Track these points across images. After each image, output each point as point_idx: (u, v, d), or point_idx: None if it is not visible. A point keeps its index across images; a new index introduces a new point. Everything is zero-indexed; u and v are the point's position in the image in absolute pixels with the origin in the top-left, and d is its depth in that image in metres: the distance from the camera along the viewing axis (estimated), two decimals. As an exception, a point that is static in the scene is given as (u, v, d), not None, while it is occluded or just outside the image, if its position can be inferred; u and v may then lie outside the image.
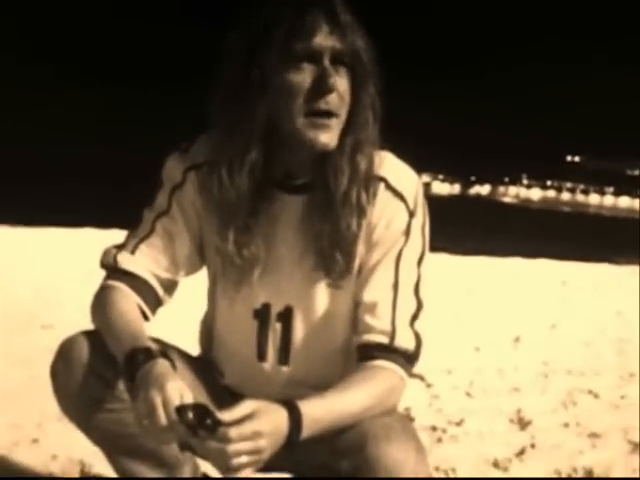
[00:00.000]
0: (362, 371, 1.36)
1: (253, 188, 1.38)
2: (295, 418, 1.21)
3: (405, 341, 1.38)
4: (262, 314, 1.47)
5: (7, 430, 2.51)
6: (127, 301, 1.41)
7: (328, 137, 1.33)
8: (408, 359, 1.38)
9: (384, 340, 1.37)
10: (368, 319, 1.39)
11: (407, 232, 1.42)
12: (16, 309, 4.58)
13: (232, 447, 1.13)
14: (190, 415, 1.13)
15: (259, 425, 1.15)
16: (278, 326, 1.47)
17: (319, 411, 1.25)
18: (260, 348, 1.48)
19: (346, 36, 1.33)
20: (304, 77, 1.31)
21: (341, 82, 1.33)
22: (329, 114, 1.32)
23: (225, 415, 1.14)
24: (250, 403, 1.17)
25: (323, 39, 1.31)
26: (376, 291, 1.40)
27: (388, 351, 1.37)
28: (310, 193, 1.41)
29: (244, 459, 1.14)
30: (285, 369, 1.48)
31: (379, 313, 1.38)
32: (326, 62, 1.31)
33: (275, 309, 1.46)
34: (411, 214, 1.42)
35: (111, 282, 1.44)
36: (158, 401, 1.16)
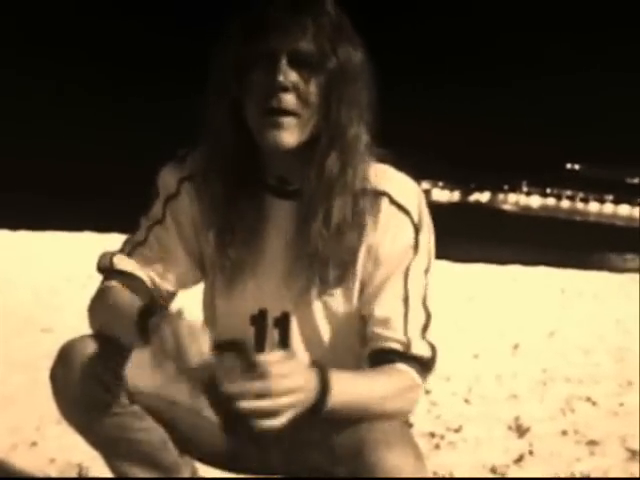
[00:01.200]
0: (381, 368, 1.33)
1: (234, 192, 1.39)
2: (323, 379, 1.18)
3: (421, 349, 1.35)
4: (259, 320, 1.47)
5: (6, 433, 2.51)
6: (125, 293, 1.41)
7: (282, 135, 1.31)
8: (423, 366, 1.36)
9: (400, 347, 1.35)
10: (381, 330, 1.36)
11: (415, 247, 1.40)
12: (16, 312, 4.58)
13: (274, 383, 1.09)
14: (228, 352, 1.11)
15: (295, 366, 1.14)
16: (275, 332, 1.47)
17: (347, 382, 1.23)
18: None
19: (311, 38, 1.31)
20: (260, 77, 1.31)
21: (301, 82, 1.31)
22: (284, 112, 1.30)
23: (262, 356, 1.11)
24: (282, 353, 1.15)
25: (280, 40, 1.30)
26: (387, 307, 1.37)
27: (404, 357, 1.34)
28: (300, 200, 1.40)
29: (284, 400, 1.11)
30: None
31: (392, 327, 1.36)
32: (282, 62, 1.30)
33: (272, 315, 1.46)
34: (416, 227, 1.40)
35: (108, 283, 1.45)
36: (187, 339, 1.13)
